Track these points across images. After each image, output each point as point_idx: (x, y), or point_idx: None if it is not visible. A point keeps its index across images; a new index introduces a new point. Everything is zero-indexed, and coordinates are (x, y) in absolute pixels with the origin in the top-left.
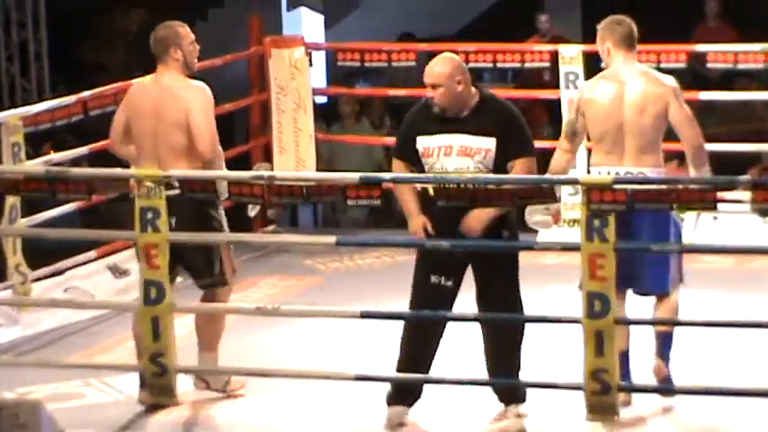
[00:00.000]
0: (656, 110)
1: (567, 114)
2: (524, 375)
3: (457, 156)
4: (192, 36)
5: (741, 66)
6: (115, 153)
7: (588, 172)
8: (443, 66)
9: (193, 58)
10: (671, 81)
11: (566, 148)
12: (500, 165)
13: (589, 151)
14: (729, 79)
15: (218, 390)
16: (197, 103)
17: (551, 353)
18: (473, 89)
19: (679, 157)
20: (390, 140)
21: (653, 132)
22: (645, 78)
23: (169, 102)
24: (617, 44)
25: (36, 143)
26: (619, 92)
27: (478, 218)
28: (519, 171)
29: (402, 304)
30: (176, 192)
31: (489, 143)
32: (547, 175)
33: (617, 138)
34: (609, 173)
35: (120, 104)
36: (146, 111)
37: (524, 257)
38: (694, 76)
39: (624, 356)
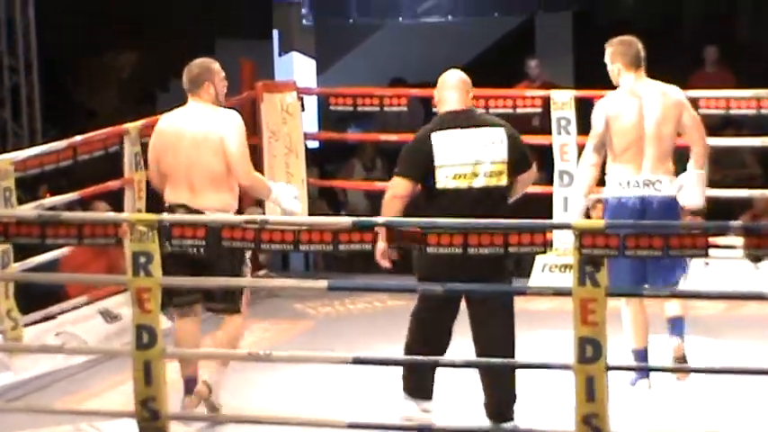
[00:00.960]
0: (674, 118)
1: (593, 132)
2: (516, 421)
3: None
4: (223, 73)
5: (733, 111)
6: (158, 189)
7: (604, 183)
8: (440, 79)
9: (223, 93)
10: (679, 90)
11: (595, 163)
12: None
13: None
14: (720, 126)
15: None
16: (231, 131)
17: (542, 399)
18: (444, 111)
19: None
20: (383, 185)
21: (669, 140)
22: (659, 92)
23: (204, 130)
24: (628, 65)
25: (32, 187)
26: (639, 106)
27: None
28: None
29: (394, 349)
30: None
31: None
32: (540, 221)
33: (638, 148)
34: (629, 182)
35: (151, 141)
36: (179, 140)
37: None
38: None
39: (643, 354)
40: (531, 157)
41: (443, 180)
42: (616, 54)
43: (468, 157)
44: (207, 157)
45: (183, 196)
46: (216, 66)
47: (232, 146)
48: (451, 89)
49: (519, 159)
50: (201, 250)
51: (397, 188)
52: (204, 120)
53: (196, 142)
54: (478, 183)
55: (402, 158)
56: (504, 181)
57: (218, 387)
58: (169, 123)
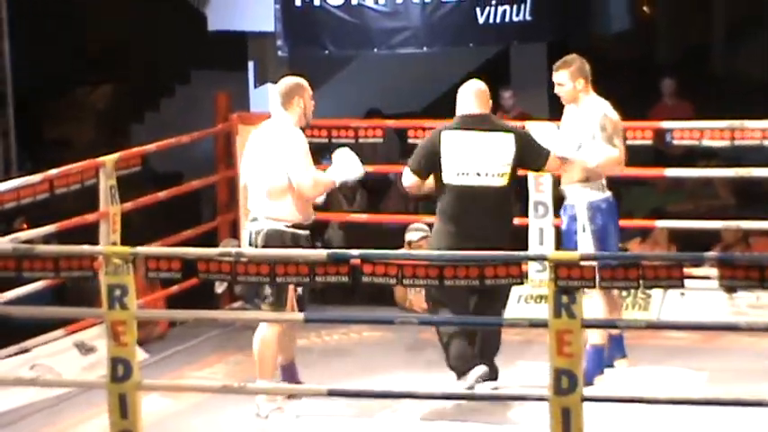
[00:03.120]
0: None
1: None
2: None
3: None
4: (311, 91)
5: (706, 142)
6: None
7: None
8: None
9: (310, 111)
10: None
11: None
12: None
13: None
14: (690, 158)
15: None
16: (294, 150)
17: (517, 430)
18: (458, 116)
19: (641, 235)
20: (364, 217)
21: None
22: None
23: (271, 145)
24: (588, 80)
25: (9, 219)
26: None
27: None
28: None
29: (370, 381)
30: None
31: None
32: (515, 253)
33: None
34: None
35: None
36: (253, 152)
37: None
38: (655, 153)
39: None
40: (545, 151)
41: (448, 176)
42: (581, 71)
43: (472, 157)
44: (269, 172)
45: (251, 207)
46: (306, 84)
47: (293, 167)
48: (469, 94)
49: (529, 159)
50: None
51: (405, 177)
52: (273, 137)
53: (262, 157)
54: (480, 181)
55: (414, 152)
56: (505, 181)
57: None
58: (252, 136)
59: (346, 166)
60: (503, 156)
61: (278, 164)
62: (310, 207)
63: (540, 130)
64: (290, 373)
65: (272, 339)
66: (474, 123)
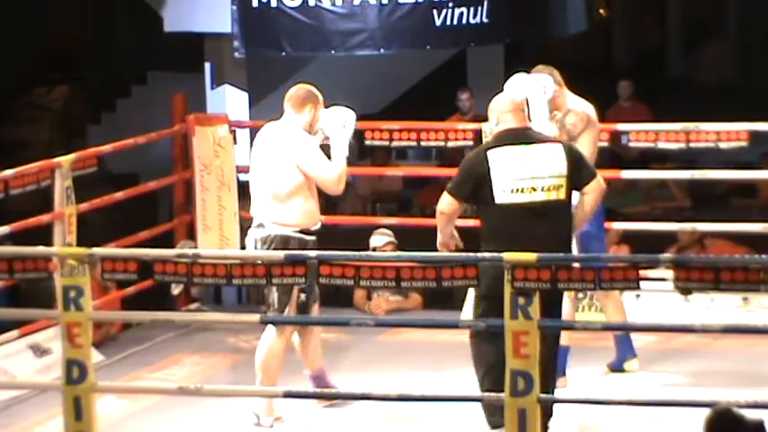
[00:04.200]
0: None
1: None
2: None
3: None
4: (323, 107)
5: (661, 144)
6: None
7: None
8: (493, 100)
9: (316, 124)
10: None
11: None
12: None
13: None
14: (646, 160)
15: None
16: (309, 149)
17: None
18: (501, 130)
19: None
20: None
21: None
22: None
23: (279, 148)
24: (561, 85)
25: None
26: None
27: None
28: None
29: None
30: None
31: None
32: (472, 254)
33: None
34: None
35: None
36: (259, 155)
37: (448, 335)
38: (611, 155)
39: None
40: (592, 168)
41: (501, 195)
42: (556, 76)
43: (526, 171)
44: (271, 175)
45: (255, 210)
46: (320, 97)
47: (313, 169)
48: (505, 109)
49: (579, 173)
50: None
51: (442, 203)
52: (284, 140)
53: (270, 160)
54: (538, 197)
55: (456, 176)
56: (563, 195)
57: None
58: (259, 136)
59: (339, 123)
60: (557, 167)
61: (287, 167)
62: (317, 211)
63: None
64: (323, 382)
65: (280, 350)
66: (519, 138)
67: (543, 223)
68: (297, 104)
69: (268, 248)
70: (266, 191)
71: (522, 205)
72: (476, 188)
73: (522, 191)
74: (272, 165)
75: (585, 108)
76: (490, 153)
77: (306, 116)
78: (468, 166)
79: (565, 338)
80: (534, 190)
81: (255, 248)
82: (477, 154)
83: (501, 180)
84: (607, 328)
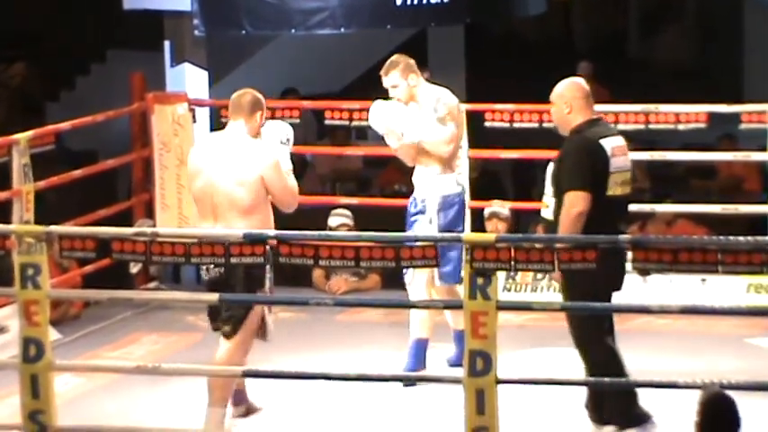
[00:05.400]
0: None
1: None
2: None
3: (547, 176)
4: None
5: (621, 126)
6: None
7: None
8: (559, 86)
9: (261, 128)
10: None
11: None
12: (557, 191)
13: None
14: None
15: None
16: (271, 170)
17: (434, 412)
18: (583, 119)
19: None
20: None
21: None
22: None
23: (240, 160)
24: (418, 73)
25: None
26: None
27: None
28: (563, 206)
29: (285, 361)
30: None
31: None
32: (430, 235)
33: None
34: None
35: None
36: (210, 166)
37: (406, 315)
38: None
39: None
40: None
41: (613, 187)
42: (409, 67)
43: (625, 163)
44: (234, 187)
45: (209, 225)
46: (264, 101)
47: (272, 183)
48: (581, 96)
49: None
50: (223, 273)
51: (582, 203)
52: (242, 151)
53: (226, 172)
54: (627, 190)
55: (576, 171)
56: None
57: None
58: (202, 147)
59: (282, 137)
60: (629, 161)
61: (252, 179)
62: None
63: (387, 109)
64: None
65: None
66: (609, 128)
67: (625, 218)
68: (247, 111)
69: (243, 267)
70: (232, 204)
71: (618, 198)
72: (597, 180)
73: (623, 183)
74: (234, 178)
75: (449, 97)
76: (604, 143)
77: (254, 123)
78: (585, 155)
79: (423, 332)
80: (626, 183)
81: (225, 269)
82: (589, 143)
83: (614, 172)
84: (565, 308)
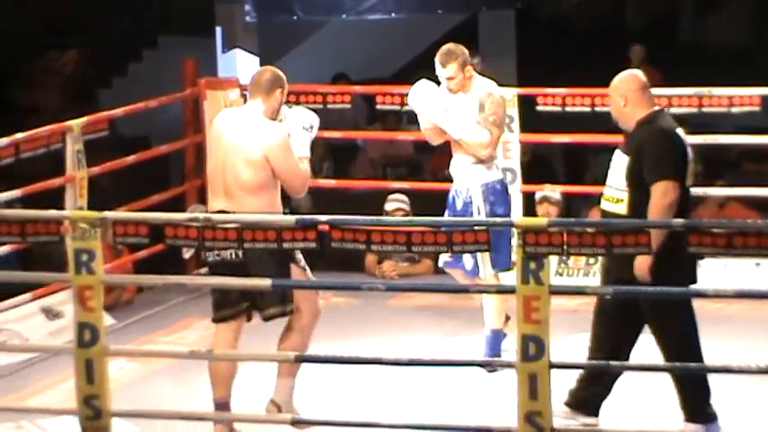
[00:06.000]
0: None
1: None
2: (459, 419)
3: (613, 170)
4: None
5: (674, 109)
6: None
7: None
8: (616, 79)
9: (281, 107)
10: None
11: None
12: (636, 183)
13: None
14: None
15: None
16: (278, 150)
17: (486, 396)
18: (646, 111)
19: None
20: (332, 183)
21: None
22: None
23: (248, 138)
24: (471, 65)
25: None
26: None
27: (642, 265)
28: (651, 197)
29: (337, 346)
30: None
31: (624, 161)
32: (483, 219)
33: None
34: None
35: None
36: (222, 142)
37: (460, 300)
38: None
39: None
40: None
41: (689, 177)
42: (466, 60)
43: (692, 154)
44: (241, 166)
45: (220, 202)
46: (285, 79)
47: (281, 164)
48: (639, 88)
49: None
50: (239, 255)
51: (673, 193)
52: (252, 129)
53: (236, 149)
54: (692, 180)
55: (664, 161)
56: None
57: (290, 401)
58: (219, 122)
59: (305, 124)
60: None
61: (257, 159)
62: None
63: (429, 93)
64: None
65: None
66: (672, 118)
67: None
68: (265, 89)
69: (257, 250)
70: (239, 183)
71: (689, 188)
72: (682, 171)
73: (692, 173)
74: (244, 156)
75: (498, 90)
76: (681, 133)
77: (273, 101)
78: (671, 145)
79: (497, 322)
80: (692, 173)
81: (238, 253)
82: (670, 132)
83: (689, 162)
84: (619, 293)
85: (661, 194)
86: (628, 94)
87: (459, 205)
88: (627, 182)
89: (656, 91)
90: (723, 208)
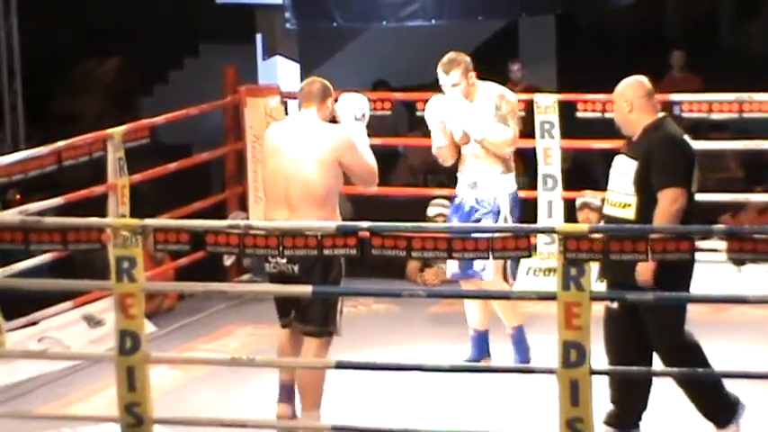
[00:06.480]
0: None
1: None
2: (500, 426)
3: (618, 174)
4: None
5: (714, 115)
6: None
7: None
8: (620, 85)
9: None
10: None
11: None
12: (643, 189)
13: None
14: (700, 130)
15: None
16: (347, 147)
17: (527, 403)
18: (652, 118)
19: None
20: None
21: None
22: None
23: (315, 144)
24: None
25: (2, 190)
26: None
27: (645, 270)
28: (659, 203)
29: (378, 353)
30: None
31: (631, 167)
32: (524, 225)
33: None
34: None
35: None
36: (285, 149)
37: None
38: None
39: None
40: None
41: (694, 184)
42: (469, 65)
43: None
44: (309, 172)
45: (283, 213)
46: (332, 89)
47: (352, 162)
48: (643, 94)
49: None
50: (295, 270)
51: (682, 199)
52: (317, 134)
53: (300, 159)
54: (696, 187)
55: (674, 167)
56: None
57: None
58: (274, 135)
59: (356, 112)
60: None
61: (328, 163)
62: None
63: (447, 104)
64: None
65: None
66: (678, 125)
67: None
68: (319, 98)
69: (323, 261)
70: (306, 193)
71: (693, 194)
72: (690, 178)
73: (696, 180)
74: (311, 165)
75: (509, 94)
76: (688, 140)
77: (326, 110)
78: (680, 152)
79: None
80: (696, 180)
81: (302, 263)
82: (679, 140)
83: (695, 169)
84: (659, 299)
85: (670, 201)
86: (633, 101)
87: (479, 212)
88: (635, 187)
89: (696, 96)
90: (763, 213)
